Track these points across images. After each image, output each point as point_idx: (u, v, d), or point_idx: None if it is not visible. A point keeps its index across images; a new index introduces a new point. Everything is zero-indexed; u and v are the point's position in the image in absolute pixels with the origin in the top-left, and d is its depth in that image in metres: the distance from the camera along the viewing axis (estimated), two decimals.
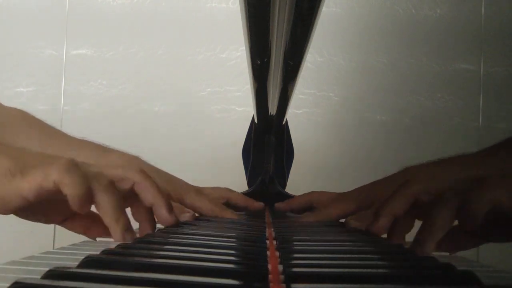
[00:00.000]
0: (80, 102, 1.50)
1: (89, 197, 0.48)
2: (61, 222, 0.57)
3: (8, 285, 0.25)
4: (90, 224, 0.56)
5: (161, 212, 0.55)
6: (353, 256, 0.41)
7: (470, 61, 1.51)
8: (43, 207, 0.52)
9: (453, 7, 1.51)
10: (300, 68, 0.65)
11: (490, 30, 1.50)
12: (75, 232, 0.58)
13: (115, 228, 0.49)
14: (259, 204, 0.89)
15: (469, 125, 1.50)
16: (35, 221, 0.55)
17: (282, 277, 0.31)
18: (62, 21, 1.50)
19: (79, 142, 0.83)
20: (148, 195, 0.54)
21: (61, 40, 1.50)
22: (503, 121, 1.49)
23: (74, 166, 0.46)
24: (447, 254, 0.51)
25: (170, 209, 0.55)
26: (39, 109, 1.52)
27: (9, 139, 0.77)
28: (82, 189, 0.46)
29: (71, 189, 0.46)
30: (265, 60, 0.60)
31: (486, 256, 1.40)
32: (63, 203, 0.48)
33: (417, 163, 0.66)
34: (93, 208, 0.51)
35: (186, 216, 0.69)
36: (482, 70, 1.51)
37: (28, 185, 0.45)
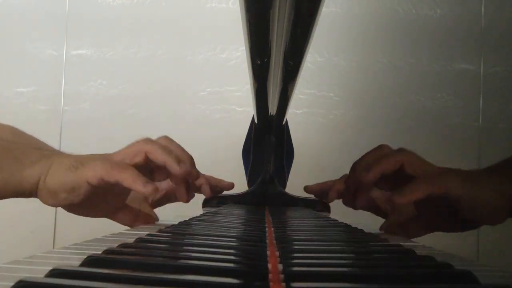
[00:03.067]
0: (80, 102, 1.50)
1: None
2: (112, 215, 0.68)
3: (12, 284, 0.25)
4: (135, 218, 0.67)
5: (172, 167, 0.61)
6: (352, 255, 0.42)
7: (470, 61, 1.51)
8: (98, 201, 0.62)
9: (453, 7, 1.52)
10: (300, 68, 0.65)
11: (490, 30, 1.50)
12: (123, 224, 0.68)
13: (139, 186, 0.57)
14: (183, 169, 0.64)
15: (469, 125, 1.50)
16: (91, 216, 0.66)
17: (282, 276, 0.31)
18: (62, 21, 1.50)
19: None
20: (158, 158, 0.61)
21: (61, 40, 1.50)
22: (503, 121, 1.49)
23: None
24: (447, 253, 0.51)
25: (179, 161, 0.62)
26: (39, 109, 1.52)
27: None
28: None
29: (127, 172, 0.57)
30: (265, 60, 0.60)
31: (486, 256, 1.40)
32: (113, 197, 0.60)
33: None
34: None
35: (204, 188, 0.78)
36: (482, 70, 1.51)
37: (91, 172, 0.56)
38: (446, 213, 0.61)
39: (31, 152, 0.59)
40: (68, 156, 0.59)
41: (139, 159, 0.61)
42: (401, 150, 0.67)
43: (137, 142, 0.64)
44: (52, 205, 0.60)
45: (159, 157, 0.62)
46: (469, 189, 0.57)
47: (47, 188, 0.57)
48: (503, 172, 0.60)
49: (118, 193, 0.60)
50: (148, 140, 0.64)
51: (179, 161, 0.62)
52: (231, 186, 0.85)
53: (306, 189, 0.88)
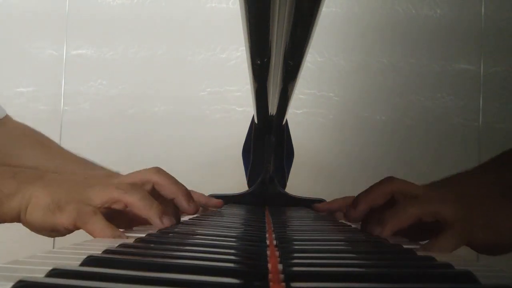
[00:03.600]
0: (80, 102, 1.50)
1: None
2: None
3: (12, 284, 0.25)
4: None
5: (181, 203, 0.62)
6: (352, 255, 0.42)
7: (470, 61, 1.51)
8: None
9: (453, 7, 1.51)
10: (300, 68, 0.65)
11: (490, 30, 1.50)
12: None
13: (151, 216, 0.56)
14: (195, 205, 0.65)
15: (469, 125, 1.50)
16: None
17: (282, 276, 0.31)
18: (62, 21, 1.50)
19: (85, 164, 0.88)
20: (167, 191, 0.62)
21: (61, 40, 1.50)
22: (503, 121, 1.49)
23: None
24: (447, 254, 0.51)
25: (189, 199, 0.63)
26: (39, 109, 1.52)
27: (14, 154, 0.87)
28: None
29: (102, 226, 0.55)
30: (265, 60, 0.60)
31: (486, 256, 1.40)
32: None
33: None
34: None
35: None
36: (482, 70, 1.51)
37: (66, 220, 0.55)
38: None
39: (6, 183, 0.58)
40: (46, 187, 0.57)
41: (146, 188, 0.61)
42: (389, 180, 0.63)
43: (146, 170, 0.63)
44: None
45: (168, 191, 0.62)
46: (483, 238, 0.55)
47: (28, 223, 0.58)
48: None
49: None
50: (157, 170, 0.63)
51: (188, 198, 0.63)
52: (220, 204, 0.84)
53: (314, 207, 0.88)
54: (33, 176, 0.60)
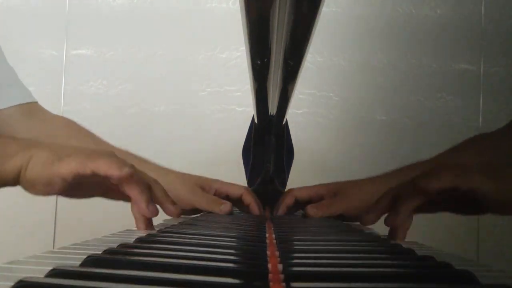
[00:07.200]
0: (80, 102, 1.50)
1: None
2: (103, 195, 0.66)
3: (12, 284, 0.25)
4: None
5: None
6: (352, 255, 0.42)
7: (470, 61, 1.51)
8: (83, 187, 0.61)
9: (453, 7, 1.52)
10: (300, 68, 0.65)
11: (490, 30, 1.50)
12: (116, 200, 0.66)
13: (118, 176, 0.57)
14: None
15: (469, 125, 1.50)
16: (81, 198, 0.65)
17: (282, 276, 0.31)
18: (62, 21, 1.50)
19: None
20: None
21: (61, 40, 1.50)
22: (503, 121, 1.49)
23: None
24: (447, 253, 0.51)
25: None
26: None
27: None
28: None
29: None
30: (265, 60, 0.60)
31: (486, 256, 1.40)
32: (98, 184, 0.59)
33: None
34: None
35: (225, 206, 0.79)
36: (482, 70, 1.51)
37: (65, 169, 0.55)
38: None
39: (9, 144, 0.59)
40: (48, 147, 0.58)
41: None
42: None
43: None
44: (34, 194, 0.59)
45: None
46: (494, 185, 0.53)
47: (26, 179, 0.57)
48: None
49: (101, 181, 0.58)
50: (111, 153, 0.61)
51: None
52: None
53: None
54: (35, 141, 0.61)
